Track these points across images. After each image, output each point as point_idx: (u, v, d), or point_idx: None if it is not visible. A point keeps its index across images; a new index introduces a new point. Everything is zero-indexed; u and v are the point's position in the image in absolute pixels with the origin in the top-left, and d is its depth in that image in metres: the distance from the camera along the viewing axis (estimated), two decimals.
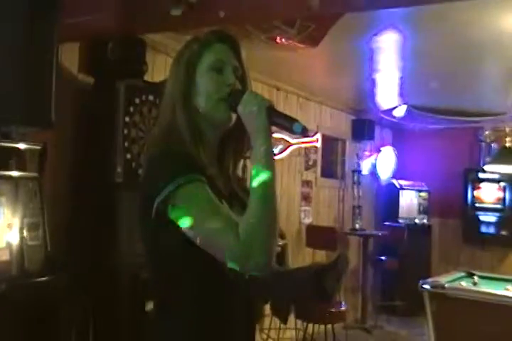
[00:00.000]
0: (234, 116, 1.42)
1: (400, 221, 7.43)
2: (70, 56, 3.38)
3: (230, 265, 1.22)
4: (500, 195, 7.44)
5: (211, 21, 2.78)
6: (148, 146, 1.53)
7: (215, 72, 1.43)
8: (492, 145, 7.39)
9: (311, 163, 6.24)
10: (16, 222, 2.65)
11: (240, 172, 1.58)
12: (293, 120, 1.34)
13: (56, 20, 2.47)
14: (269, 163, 1.29)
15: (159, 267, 1.41)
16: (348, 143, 7.07)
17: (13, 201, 2.66)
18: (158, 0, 2.89)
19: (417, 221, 7.68)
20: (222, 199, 1.35)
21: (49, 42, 2.48)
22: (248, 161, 1.37)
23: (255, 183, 1.27)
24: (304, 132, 1.34)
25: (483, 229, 7.51)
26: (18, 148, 2.70)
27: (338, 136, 6.95)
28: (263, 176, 1.27)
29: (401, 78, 5.46)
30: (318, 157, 6.40)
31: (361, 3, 2.60)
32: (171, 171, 1.30)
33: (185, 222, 1.26)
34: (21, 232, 2.66)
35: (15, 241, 2.63)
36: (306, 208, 6.21)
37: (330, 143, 6.84)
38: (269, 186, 1.27)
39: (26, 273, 2.63)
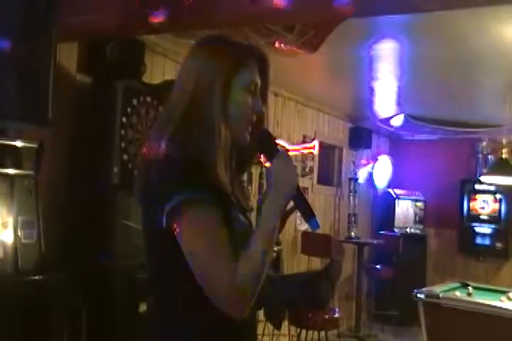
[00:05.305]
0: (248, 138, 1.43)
1: (396, 230, 7.44)
2: (68, 55, 3.39)
3: (216, 304, 1.25)
4: (496, 207, 7.44)
5: (210, 24, 2.78)
6: (172, 134, 1.36)
7: (250, 94, 1.42)
8: (489, 156, 7.39)
9: (307, 169, 6.22)
10: (11, 220, 2.65)
11: (257, 178, 1.58)
12: (312, 213, 1.39)
13: (55, 19, 2.47)
14: (273, 237, 1.32)
15: (158, 266, 1.41)
16: (344, 151, 7.07)
17: (8, 199, 2.66)
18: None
19: (412, 230, 7.67)
20: (232, 206, 1.37)
21: (48, 41, 2.49)
22: (264, 169, 1.38)
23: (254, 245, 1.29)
24: (316, 228, 1.39)
25: (479, 240, 7.50)
26: (14, 146, 2.70)
27: (335, 143, 6.95)
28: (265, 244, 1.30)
29: (399, 87, 5.48)
30: (315, 164, 6.38)
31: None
32: (182, 183, 1.28)
33: (184, 246, 1.27)
34: (16, 230, 2.66)
35: (9, 239, 2.62)
36: None
37: (327, 150, 6.84)
38: (268, 249, 1.30)
39: (20, 272, 2.63)
